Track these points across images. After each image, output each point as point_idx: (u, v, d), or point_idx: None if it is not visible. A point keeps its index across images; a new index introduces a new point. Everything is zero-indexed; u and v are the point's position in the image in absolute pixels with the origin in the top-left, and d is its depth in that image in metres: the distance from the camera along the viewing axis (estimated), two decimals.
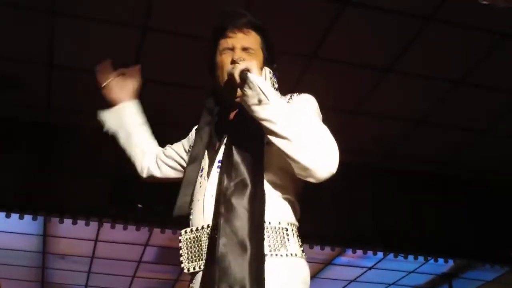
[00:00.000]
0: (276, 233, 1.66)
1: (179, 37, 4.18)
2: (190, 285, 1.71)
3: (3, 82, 4.60)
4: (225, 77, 1.77)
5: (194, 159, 1.84)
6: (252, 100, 1.60)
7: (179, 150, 2.05)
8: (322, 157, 1.60)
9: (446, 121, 5.15)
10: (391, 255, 6.16)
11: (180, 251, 1.70)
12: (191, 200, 1.79)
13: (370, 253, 5.97)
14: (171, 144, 2.12)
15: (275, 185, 1.70)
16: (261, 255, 1.57)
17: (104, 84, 2.32)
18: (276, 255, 1.63)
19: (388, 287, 8.33)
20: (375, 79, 4.65)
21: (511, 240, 5.84)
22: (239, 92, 1.71)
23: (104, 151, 5.16)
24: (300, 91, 5.17)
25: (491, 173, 5.84)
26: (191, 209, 1.77)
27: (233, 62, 1.77)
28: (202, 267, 1.64)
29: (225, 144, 1.75)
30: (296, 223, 1.75)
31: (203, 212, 1.70)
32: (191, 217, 1.76)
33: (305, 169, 1.60)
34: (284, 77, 5.17)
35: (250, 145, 1.70)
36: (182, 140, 2.07)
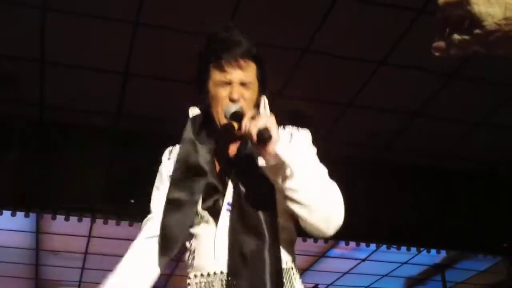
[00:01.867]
0: (286, 274, 1.69)
1: (171, 33, 4.17)
2: None
3: None
4: (221, 115, 1.70)
5: (181, 201, 1.73)
6: (278, 175, 1.56)
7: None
8: (334, 219, 1.64)
9: (441, 113, 5.16)
10: (384, 247, 6.18)
11: None
12: (193, 237, 1.73)
13: (363, 245, 6.00)
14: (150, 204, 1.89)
15: (281, 228, 1.69)
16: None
17: None
18: None
19: (381, 278, 8.36)
20: (369, 72, 4.65)
21: (504, 231, 5.88)
22: (239, 132, 1.64)
23: (97, 147, 5.18)
24: (295, 84, 5.15)
25: (486, 165, 5.87)
26: (193, 248, 1.73)
27: (232, 100, 1.69)
28: None
29: (234, 187, 1.69)
30: (295, 261, 1.77)
31: (214, 257, 1.67)
32: (195, 257, 1.72)
33: (316, 229, 1.63)
34: (277, 71, 5.19)
35: (261, 188, 1.65)
36: (156, 186, 1.87)
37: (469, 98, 4.96)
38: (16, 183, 4.86)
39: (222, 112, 1.70)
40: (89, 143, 5.09)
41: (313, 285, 8.53)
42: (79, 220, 5.21)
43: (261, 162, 1.55)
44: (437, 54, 0.90)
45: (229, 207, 1.68)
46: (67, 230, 6.59)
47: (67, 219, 5.14)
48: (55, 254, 7.51)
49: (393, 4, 4.00)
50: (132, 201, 4.96)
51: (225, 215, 1.68)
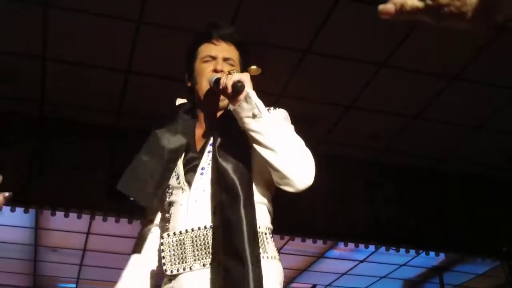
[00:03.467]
0: (259, 237, 1.74)
1: (173, 31, 4.17)
2: (168, 285, 1.78)
3: None
4: (205, 85, 1.88)
5: (156, 153, 1.89)
6: (246, 112, 1.69)
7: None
8: (302, 169, 1.72)
9: (441, 116, 5.16)
10: (382, 249, 6.19)
11: (162, 254, 1.77)
12: (170, 205, 1.85)
13: (362, 246, 5.99)
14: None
15: (255, 191, 1.79)
16: (261, 272, 1.63)
17: None
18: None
19: (379, 280, 8.37)
20: (370, 73, 4.65)
21: (503, 234, 5.88)
22: (223, 100, 1.87)
23: (97, 144, 5.18)
24: (295, 85, 5.18)
25: (485, 168, 5.87)
26: (169, 213, 1.84)
27: (215, 71, 1.88)
28: (185, 269, 1.72)
29: (212, 153, 1.81)
30: (271, 227, 1.83)
31: (186, 216, 1.77)
32: (170, 221, 1.82)
33: (286, 178, 1.71)
34: (278, 71, 5.20)
35: (238, 153, 1.78)
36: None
37: (468, 100, 4.96)
38: (16, 178, 4.85)
39: (205, 82, 1.88)
40: (89, 140, 5.09)
41: (311, 285, 8.54)
42: (79, 217, 5.21)
43: (232, 107, 1.71)
44: (383, 17, 0.91)
45: (202, 171, 1.81)
46: (66, 227, 6.59)
47: (66, 216, 5.14)
48: (54, 250, 7.51)
49: None
50: (132, 198, 4.96)
51: (198, 179, 1.81)
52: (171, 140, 1.91)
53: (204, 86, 1.89)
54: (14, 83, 4.66)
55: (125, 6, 4.00)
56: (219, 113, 1.94)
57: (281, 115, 1.87)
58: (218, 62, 1.90)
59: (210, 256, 1.69)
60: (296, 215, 5.22)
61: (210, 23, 1.99)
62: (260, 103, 1.71)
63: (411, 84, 4.76)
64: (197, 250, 1.72)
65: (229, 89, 1.70)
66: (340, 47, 4.38)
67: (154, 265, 1.94)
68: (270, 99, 5.15)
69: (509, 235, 5.86)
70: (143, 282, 1.94)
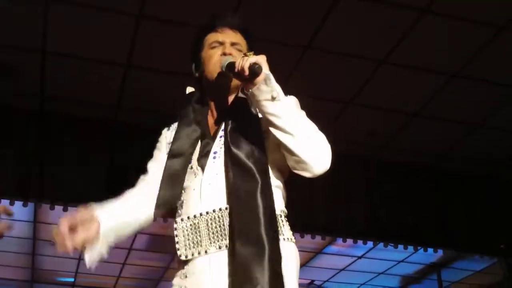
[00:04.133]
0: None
1: (174, 25, 4.17)
2: (182, 271, 1.74)
3: None
4: (215, 69, 1.84)
5: (178, 153, 1.85)
6: (265, 95, 1.66)
7: (162, 160, 1.93)
8: (320, 154, 1.71)
9: (441, 113, 5.17)
10: (381, 245, 6.20)
11: (176, 239, 1.74)
12: (181, 192, 1.82)
13: (360, 242, 6.01)
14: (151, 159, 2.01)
15: (270, 175, 1.76)
16: (279, 253, 1.63)
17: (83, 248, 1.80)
18: None
19: (377, 276, 8.39)
20: (370, 70, 4.65)
21: (502, 232, 5.89)
22: (234, 82, 1.82)
23: (97, 138, 5.18)
24: (295, 82, 5.19)
25: (484, 166, 5.87)
26: (181, 200, 1.81)
27: (224, 54, 1.85)
28: (200, 253, 1.69)
29: (224, 138, 1.78)
30: (286, 211, 1.82)
31: (200, 200, 1.74)
32: (183, 206, 1.79)
33: (303, 163, 1.69)
34: (278, 67, 5.16)
35: (250, 137, 1.76)
36: (156, 150, 2.01)
37: (468, 98, 4.96)
38: (15, 172, 4.86)
39: (215, 67, 1.85)
40: (89, 134, 5.09)
41: (309, 281, 8.56)
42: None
43: (249, 89, 1.68)
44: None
45: (215, 155, 1.79)
46: None
47: (65, 210, 5.14)
48: (52, 244, 7.49)
49: (396, 2, 4.00)
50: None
51: (210, 163, 1.78)
52: (188, 133, 1.89)
53: (213, 70, 1.86)
54: (14, 77, 4.66)
55: (125, 0, 4.00)
56: (230, 98, 1.91)
57: (294, 100, 1.85)
58: (226, 46, 1.88)
59: (226, 238, 1.66)
60: (294, 211, 5.22)
61: (214, 14, 1.99)
62: (278, 86, 1.69)
63: (411, 82, 4.76)
64: (213, 233, 1.69)
65: (246, 72, 1.65)
66: (340, 43, 4.38)
67: (141, 206, 1.88)
68: None
69: (507, 233, 5.88)
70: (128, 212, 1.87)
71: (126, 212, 1.88)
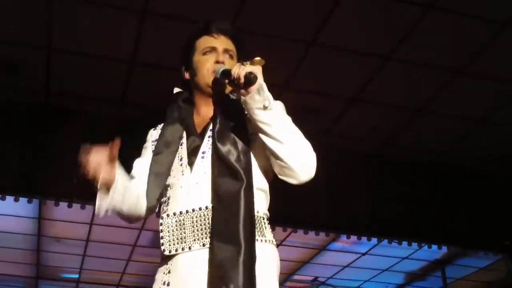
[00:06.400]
0: (257, 221, 1.78)
1: (178, 22, 4.16)
2: (165, 266, 1.78)
3: (1, 65, 4.58)
4: (209, 75, 1.91)
5: (161, 151, 1.91)
6: (257, 104, 1.73)
7: (148, 158, 1.97)
8: (306, 162, 1.78)
9: (445, 110, 5.16)
10: (385, 241, 6.20)
11: (161, 234, 1.78)
12: (167, 188, 1.87)
13: (364, 239, 6.00)
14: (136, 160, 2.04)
15: (254, 177, 1.81)
16: (253, 255, 1.68)
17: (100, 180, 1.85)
18: (257, 240, 1.75)
19: (381, 273, 8.38)
20: (374, 67, 4.64)
21: (505, 228, 5.88)
22: (228, 88, 1.90)
23: (101, 135, 5.18)
24: (299, 77, 5.16)
25: (487, 162, 5.86)
26: (167, 196, 1.86)
27: (217, 62, 1.91)
28: (184, 249, 1.74)
29: (212, 137, 1.84)
30: (268, 213, 1.87)
31: (187, 198, 1.79)
32: (169, 203, 1.84)
33: (290, 170, 1.76)
34: (283, 63, 5.18)
35: (237, 140, 1.82)
36: (143, 150, 2.07)
37: (472, 95, 4.95)
38: (20, 169, 4.87)
39: (208, 73, 1.91)
40: (93, 131, 5.09)
41: (313, 277, 8.56)
42: (82, 207, 5.23)
43: (242, 97, 1.75)
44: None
45: (203, 155, 1.84)
46: (69, 217, 6.62)
47: (70, 206, 5.16)
48: (57, 241, 7.54)
49: None
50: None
51: (199, 162, 1.84)
52: (171, 131, 1.94)
53: (207, 76, 1.92)
54: (19, 73, 4.67)
55: None
56: (219, 101, 1.96)
57: (281, 107, 1.89)
58: (219, 53, 1.94)
59: (209, 236, 1.71)
60: (298, 208, 5.23)
61: (206, 20, 2.04)
62: (270, 96, 1.74)
63: (415, 78, 4.75)
64: (197, 230, 1.74)
65: (242, 80, 1.72)
66: (345, 39, 4.38)
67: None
68: (273, 91, 5.14)
69: (511, 229, 5.87)
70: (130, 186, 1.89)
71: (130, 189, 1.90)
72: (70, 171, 5.19)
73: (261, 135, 1.77)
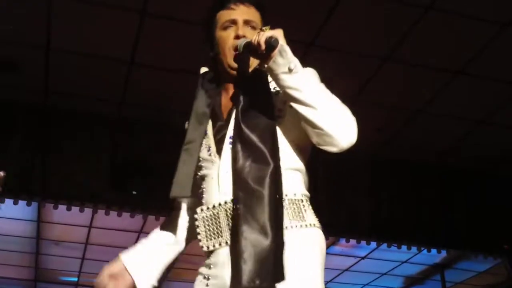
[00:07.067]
0: (294, 204, 1.68)
1: (178, 23, 4.17)
2: (208, 261, 1.71)
3: (1, 65, 4.58)
4: (231, 54, 1.79)
5: (188, 142, 1.81)
6: (282, 68, 1.61)
7: None
8: (345, 126, 1.65)
9: (445, 111, 5.16)
10: (384, 245, 6.18)
11: (197, 230, 1.71)
12: (202, 179, 1.79)
13: (363, 242, 5.99)
14: None
15: (287, 158, 1.71)
16: (281, 242, 1.57)
17: None
18: (296, 226, 1.66)
19: (380, 276, 8.37)
20: (374, 67, 4.64)
21: (505, 232, 5.87)
22: (252, 63, 1.77)
23: (101, 136, 5.18)
24: None
25: (488, 164, 5.85)
26: (201, 189, 1.78)
27: (238, 37, 1.78)
28: (221, 244, 1.66)
29: (235, 119, 1.72)
30: (308, 194, 1.76)
31: (218, 189, 1.70)
32: (203, 195, 1.76)
33: (328, 136, 1.63)
34: None
35: (263, 119, 1.69)
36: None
37: (472, 95, 4.96)
38: (19, 171, 4.86)
39: (230, 52, 1.79)
40: (93, 131, 5.09)
41: None
42: (81, 210, 5.22)
43: (266, 65, 1.63)
44: None
45: (231, 140, 1.71)
46: (68, 220, 6.60)
47: (68, 209, 5.15)
48: (56, 244, 7.52)
49: (400, 0, 3.99)
50: (135, 192, 4.96)
51: (227, 148, 1.72)
52: (198, 119, 1.83)
53: (229, 56, 1.80)
54: (18, 73, 4.67)
55: None
56: (241, 79, 1.83)
57: (312, 72, 1.78)
58: (239, 26, 1.80)
59: (239, 229, 1.60)
60: None
61: None
62: (295, 59, 1.63)
63: (415, 79, 4.75)
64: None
65: (263, 46, 1.60)
66: (345, 40, 4.38)
67: (177, 238, 1.87)
68: None
69: (511, 233, 5.86)
70: (159, 251, 1.84)
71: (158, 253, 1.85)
72: (69, 172, 5.20)
73: (292, 104, 1.64)
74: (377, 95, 4.94)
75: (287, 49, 1.61)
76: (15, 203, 5.08)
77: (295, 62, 1.62)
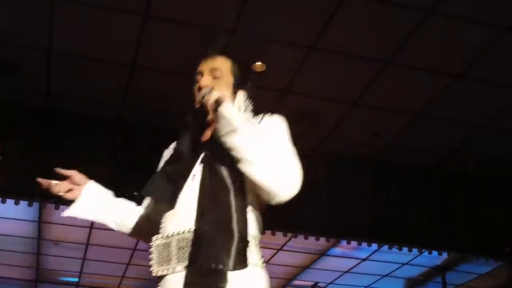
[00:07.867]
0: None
1: (179, 26, 4.17)
2: (158, 286, 1.80)
3: (2, 67, 4.59)
4: (196, 103, 1.91)
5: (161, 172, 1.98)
6: (222, 130, 1.72)
7: None
8: (284, 182, 1.73)
9: (446, 114, 5.15)
10: (385, 247, 6.18)
11: (150, 256, 1.81)
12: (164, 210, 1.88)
13: (364, 244, 5.99)
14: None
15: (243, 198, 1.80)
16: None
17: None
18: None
19: (381, 278, 8.36)
20: (375, 71, 4.64)
21: (506, 234, 5.86)
22: (210, 117, 1.87)
23: (102, 138, 5.18)
24: (300, 82, 5.15)
25: (489, 167, 5.85)
26: (162, 218, 1.87)
27: (199, 88, 1.88)
28: (170, 270, 1.75)
29: (202, 164, 1.84)
30: (259, 236, 1.84)
31: (173, 219, 1.81)
32: (162, 225, 1.85)
33: (268, 193, 1.73)
34: (283, 68, 5.19)
35: (224, 165, 1.78)
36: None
37: (473, 100, 4.95)
38: (20, 171, 4.86)
39: (196, 102, 1.90)
40: (93, 133, 5.09)
41: (313, 283, 8.54)
42: None
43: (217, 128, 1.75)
44: None
45: (193, 178, 1.84)
46: (69, 220, 6.59)
47: None
48: (57, 244, 7.53)
49: (401, 4, 3.99)
50: (136, 193, 4.95)
51: (188, 185, 1.84)
52: (168, 155, 2.01)
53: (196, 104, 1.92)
54: (20, 75, 4.67)
55: (132, 0, 4.01)
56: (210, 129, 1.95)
57: (272, 123, 1.86)
58: (203, 77, 1.92)
59: (189, 258, 1.71)
60: (299, 213, 5.22)
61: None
62: (235, 117, 1.72)
63: (416, 83, 4.75)
64: (181, 252, 1.73)
65: (210, 106, 1.74)
66: (346, 44, 4.38)
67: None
68: (275, 96, 5.16)
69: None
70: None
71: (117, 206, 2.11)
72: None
73: (237, 163, 1.74)
74: (378, 98, 4.94)
75: (225, 111, 1.71)
76: (16, 203, 5.09)
77: (236, 122, 1.71)
